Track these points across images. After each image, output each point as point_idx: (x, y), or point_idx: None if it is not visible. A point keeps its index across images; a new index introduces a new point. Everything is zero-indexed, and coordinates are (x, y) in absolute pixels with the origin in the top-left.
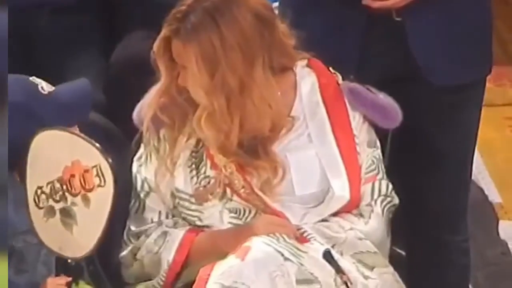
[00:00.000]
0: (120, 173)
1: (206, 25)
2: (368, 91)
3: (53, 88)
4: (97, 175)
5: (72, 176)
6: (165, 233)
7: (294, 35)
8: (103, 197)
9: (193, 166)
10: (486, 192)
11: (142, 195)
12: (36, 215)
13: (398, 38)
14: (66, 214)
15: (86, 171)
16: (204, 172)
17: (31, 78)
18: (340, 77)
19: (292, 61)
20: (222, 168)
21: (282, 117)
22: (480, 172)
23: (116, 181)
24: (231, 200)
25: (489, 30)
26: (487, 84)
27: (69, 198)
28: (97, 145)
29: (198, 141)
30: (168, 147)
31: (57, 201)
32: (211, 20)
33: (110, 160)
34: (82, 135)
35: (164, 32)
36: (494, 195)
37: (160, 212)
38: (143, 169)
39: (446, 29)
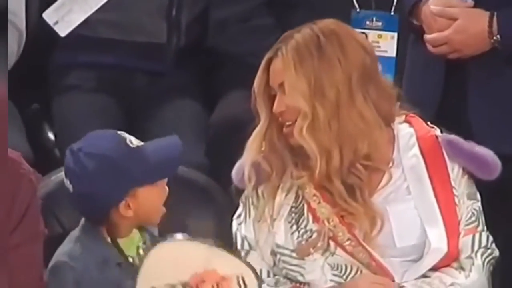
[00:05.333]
0: (222, 231)
1: (308, 40)
2: (467, 142)
3: (142, 143)
4: (238, 284)
5: (202, 282)
6: None
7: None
8: None
9: (293, 221)
10: None
11: (242, 254)
12: None
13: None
14: None
15: (224, 279)
16: (305, 226)
17: (119, 132)
18: (438, 130)
19: (393, 112)
20: (325, 221)
21: (378, 148)
22: None
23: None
24: (333, 254)
25: None
26: None
27: None
28: (241, 255)
29: (297, 196)
30: (267, 202)
31: None
32: (314, 36)
33: (255, 271)
34: (223, 245)
35: (265, 58)
36: None
37: (261, 271)
38: (243, 227)
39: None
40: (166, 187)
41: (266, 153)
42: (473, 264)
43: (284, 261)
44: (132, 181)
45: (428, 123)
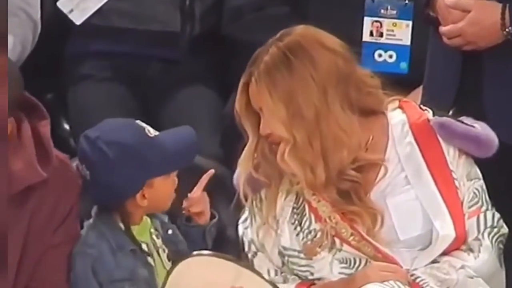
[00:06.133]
0: (235, 217)
1: (278, 61)
2: (460, 122)
3: (158, 133)
4: None
5: None
6: None
7: (379, 77)
8: None
9: (296, 222)
10: None
11: (249, 256)
12: None
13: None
14: None
15: None
16: (308, 227)
17: (137, 121)
18: (431, 113)
19: (379, 103)
20: (327, 219)
21: (360, 150)
22: None
23: None
24: (340, 250)
25: None
26: None
27: None
28: (266, 277)
29: (298, 197)
30: (269, 206)
31: None
32: (283, 56)
33: None
34: (250, 266)
35: (241, 82)
36: None
37: (268, 270)
38: (249, 231)
39: None
40: (176, 178)
41: (260, 165)
42: (481, 245)
43: (292, 263)
44: (151, 171)
45: (421, 106)
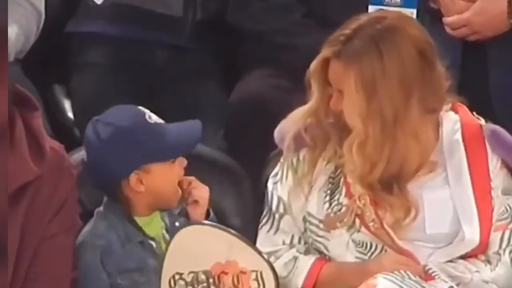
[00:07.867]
0: (239, 206)
1: (369, 51)
2: (509, 134)
3: (161, 121)
4: (256, 279)
5: (224, 273)
6: (295, 258)
7: (449, 78)
8: None
9: (328, 192)
10: None
11: (277, 216)
12: None
13: None
14: None
15: (243, 272)
16: (338, 199)
17: (139, 107)
18: (483, 121)
19: (442, 104)
20: (356, 198)
21: (427, 158)
22: None
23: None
24: (358, 231)
25: None
26: None
27: None
28: (261, 251)
29: (337, 167)
30: (306, 169)
31: None
32: (375, 47)
33: (274, 268)
34: (245, 239)
35: (324, 52)
36: None
37: (293, 236)
38: (279, 186)
39: None
40: (182, 168)
41: (311, 126)
42: (500, 260)
43: (311, 231)
44: (144, 155)
45: (474, 113)
